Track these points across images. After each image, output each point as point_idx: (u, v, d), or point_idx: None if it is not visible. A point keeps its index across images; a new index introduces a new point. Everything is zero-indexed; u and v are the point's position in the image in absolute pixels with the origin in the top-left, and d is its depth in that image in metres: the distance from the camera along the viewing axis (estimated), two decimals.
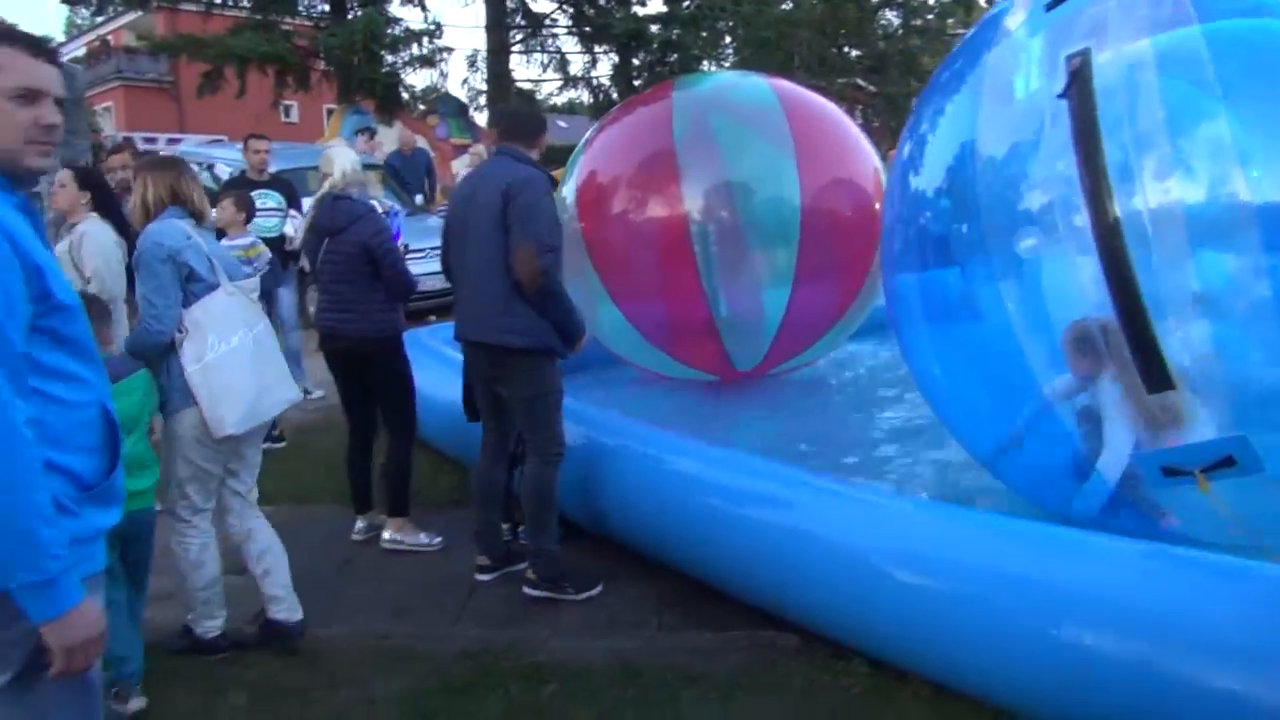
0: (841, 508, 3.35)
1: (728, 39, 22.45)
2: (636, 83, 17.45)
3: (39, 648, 1.59)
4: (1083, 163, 3.03)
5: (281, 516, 4.64)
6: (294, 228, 6.59)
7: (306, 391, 6.46)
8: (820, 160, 5.40)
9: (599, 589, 3.80)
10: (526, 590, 3.81)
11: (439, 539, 4.36)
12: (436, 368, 5.09)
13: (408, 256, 5.32)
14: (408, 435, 4.46)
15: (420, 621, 3.67)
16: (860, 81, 26.44)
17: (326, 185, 4.39)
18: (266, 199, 6.72)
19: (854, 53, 27.22)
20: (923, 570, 3.00)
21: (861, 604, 3.08)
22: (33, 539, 1.52)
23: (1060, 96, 3.10)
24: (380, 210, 5.03)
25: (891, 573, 3.03)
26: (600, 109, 18.08)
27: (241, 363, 3.24)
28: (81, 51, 32.92)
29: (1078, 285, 3.16)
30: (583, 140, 6.02)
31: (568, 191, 5.65)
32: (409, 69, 16.94)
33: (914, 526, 3.18)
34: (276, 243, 6.56)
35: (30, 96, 1.68)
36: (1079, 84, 3.06)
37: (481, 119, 19.53)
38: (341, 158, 4.46)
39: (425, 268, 6.99)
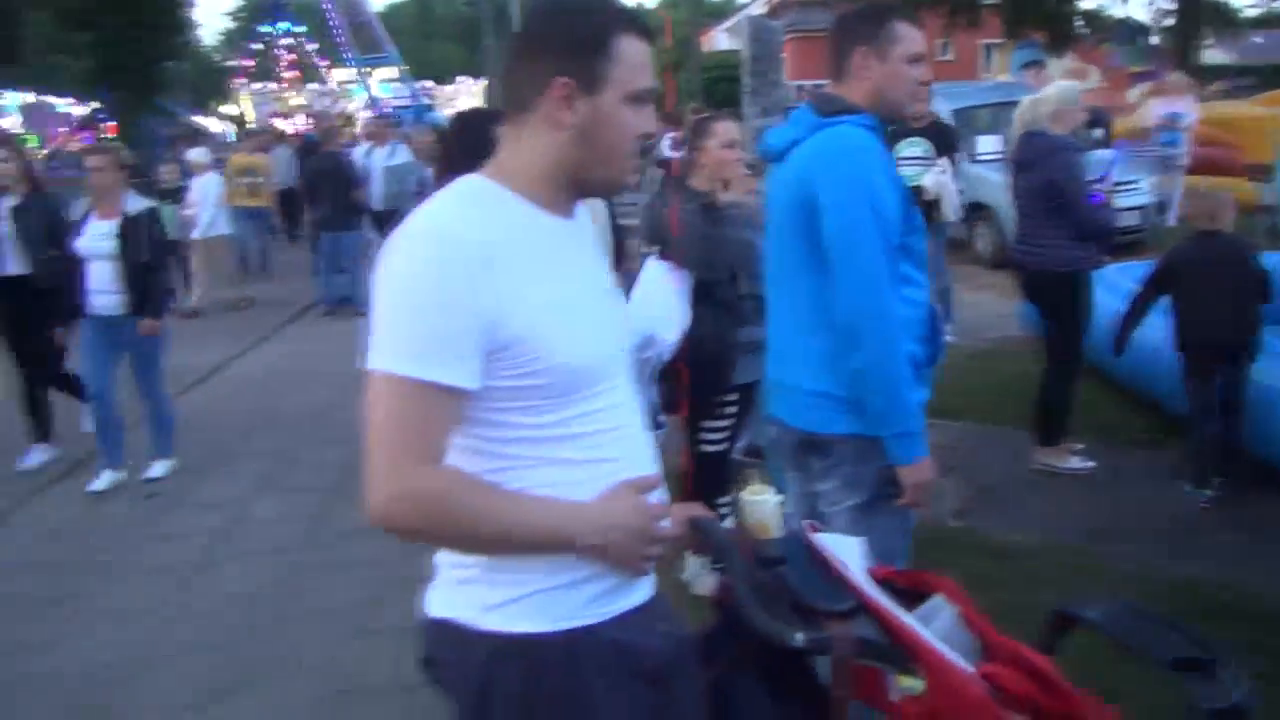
0: None
1: None
2: None
3: (883, 482, 2.11)
4: None
5: (965, 431, 5.10)
6: (934, 179, 6.25)
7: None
8: None
9: None
10: None
11: (1090, 464, 4.47)
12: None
13: (1118, 189, 5.19)
14: (1066, 370, 4.52)
15: (1114, 543, 3.81)
16: None
17: (1020, 122, 4.54)
18: (912, 146, 6.46)
19: None
20: None
21: None
22: (903, 401, 2.03)
23: None
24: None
25: None
26: None
27: None
28: (764, 9, 36.71)
29: None
30: None
31: None
32: None
33: None
34: (916, 192, 6.02)
35: (918, 59, 2.10)
36: None
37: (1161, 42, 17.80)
38: (1040, 94, 4.54)
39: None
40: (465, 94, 37.98)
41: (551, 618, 1.31)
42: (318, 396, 6.61)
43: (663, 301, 3.01)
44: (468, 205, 1.30)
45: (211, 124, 29.58)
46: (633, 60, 1.31)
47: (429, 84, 39.14)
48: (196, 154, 10.29)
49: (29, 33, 27.43)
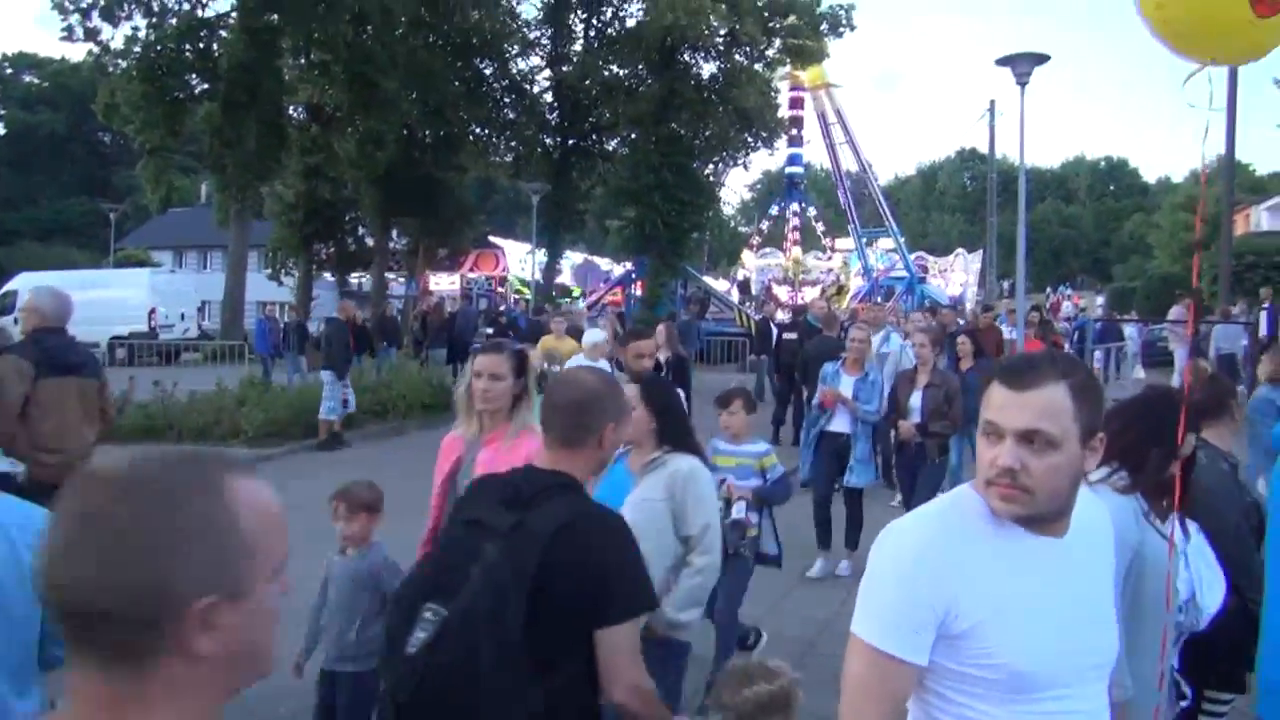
0: None
1: None
2: None
3: None
4: None
5: None
6: None
7: None
8: None
9: None
10: None
11: None
12: None
13: None
14: None
15: None
16: None
17: None
18: None
19: None
20: None
21: None
22: None
23: None
24: None
25: None
26: None
27: None
28: None
29: None
30: None
31: None
32: None
33: None
34: None
35: None
36: None
37: None
38: None
39: None
40: (960, 266, 37.97)
41: None
42: None
43: (1209, 564, 2.74)
44: (950, 512, 1.52)
45: (718, 285, 32.85)
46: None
47: (924, 255, 39.92)
48: (593, 335, 8.22)
49: (589, 206, 33.02)
